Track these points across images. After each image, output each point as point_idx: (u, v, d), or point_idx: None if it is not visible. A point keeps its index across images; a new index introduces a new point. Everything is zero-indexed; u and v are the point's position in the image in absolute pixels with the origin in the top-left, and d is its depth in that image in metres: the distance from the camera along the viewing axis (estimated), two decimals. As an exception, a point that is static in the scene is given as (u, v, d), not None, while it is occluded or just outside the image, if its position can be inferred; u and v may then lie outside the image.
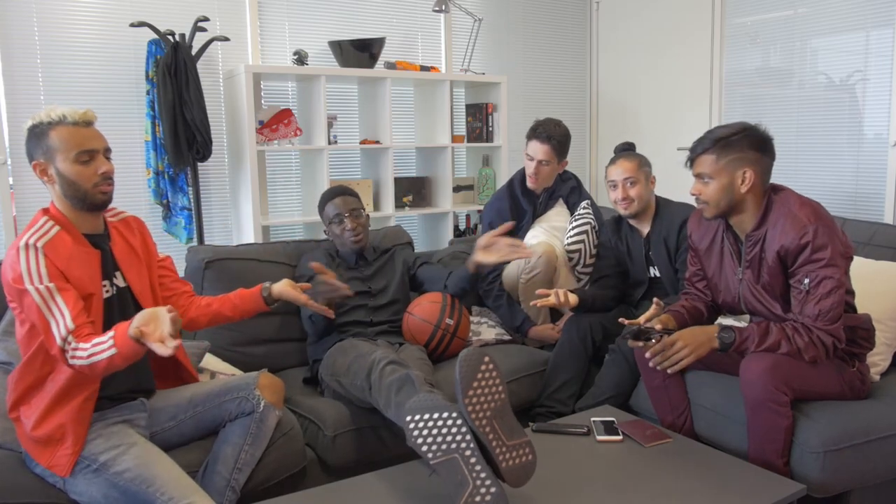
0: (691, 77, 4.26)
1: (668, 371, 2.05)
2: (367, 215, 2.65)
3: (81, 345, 1.63)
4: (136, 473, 1.67)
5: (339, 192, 2.60)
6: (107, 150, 1.81)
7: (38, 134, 1.76)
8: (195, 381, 2.07)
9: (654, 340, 2.03)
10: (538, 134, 2.89)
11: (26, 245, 1.68)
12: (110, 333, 1.62)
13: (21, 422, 1.76)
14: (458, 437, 1.61)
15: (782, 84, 3.84)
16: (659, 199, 2.65)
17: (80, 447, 1.72)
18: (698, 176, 2.03)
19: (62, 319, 1.64)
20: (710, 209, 2.03)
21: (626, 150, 2.69)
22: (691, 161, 2.05)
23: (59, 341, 1.63)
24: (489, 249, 2.45)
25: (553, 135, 2.86)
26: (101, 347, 1.61)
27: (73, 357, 1.63)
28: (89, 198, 1.77)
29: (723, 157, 1.97)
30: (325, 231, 2.66)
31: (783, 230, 1.93)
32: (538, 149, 2.89)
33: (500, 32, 4.57)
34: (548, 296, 2.38)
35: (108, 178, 1.78)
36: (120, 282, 1.86)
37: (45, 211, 1.79)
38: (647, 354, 2.06)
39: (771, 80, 3.89)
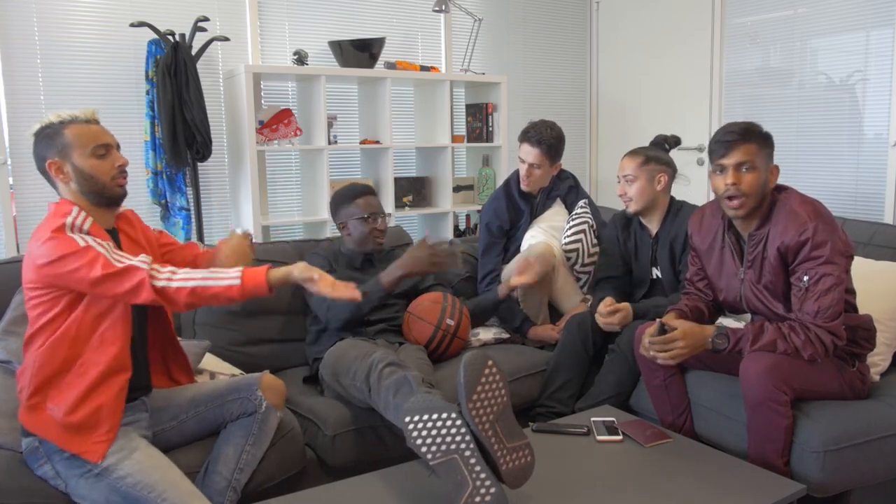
0: (691, 77, 4.26)
1: (659, 360, 2.05)
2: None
3: (175, 269, 1.72)
4: (137, 479, 1.67)
5: (370, 191, 2.62)
6: (118, 146, 1.86)
7: (50, 134, 1.78)
8: (191, 383, 2.07)
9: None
10: (529, 137, 2.88)
11: (72, 225, 1.72)
12: (237, 269, 1.73)
13: (45, 408, 1.72)
14: (458, 438, 1.61)
15: (782, 84, 3.84)
16: (674, 201, 2.62)
17: (114, 435, 1.72)
18: (739, 164, 1.94)
19: (135, 259, 1.71)
20: (752, 199, 1.95)
21: (656, 144, 2.67)
22: (728, 148, 1.94)
23: (146, 267, 1.68)
24: (523, 271, 2.63)
25: (543, 138, 2.85)
26: (219, 275, 1.72)
27: (165, 280, 1.69)
28: (107, 191, 1.80)
29: (763, 149, 1.98)
30: (339, 226, 2.64)
31: (784, 227, 1.94)
32: (529, 152, 2.88)
33: (500, 32, 4.57)
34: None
35: (123, 170, 1.83)
36: None
37: (61, 203, 1.79)
38: (647, 342, 2.06)
39: (771, 80, 3.89)
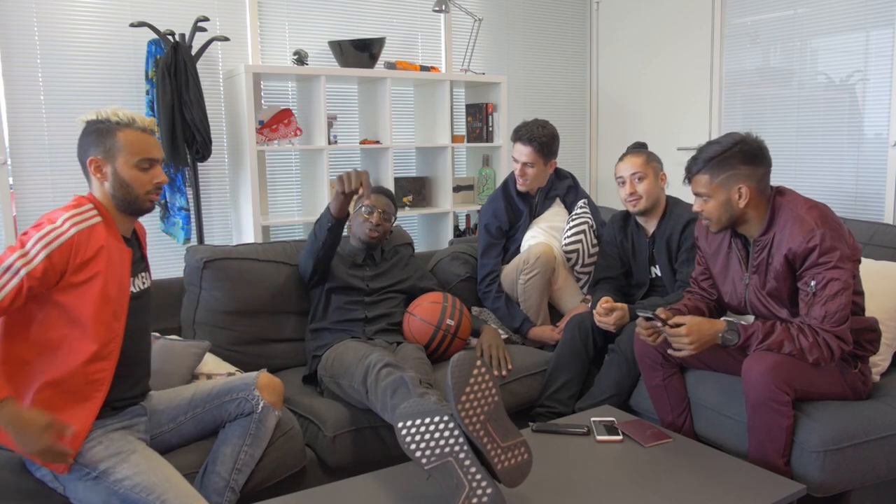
0: (691, 77, 4.26)
1: (669, 351, 2.05)
2: (392, 228, 2.74)
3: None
4: (135, 482, 1.66)
5: (382, 191, 2.70)
6: (162, 161, 1.86)
7: (102, 131, 1.77)
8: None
9: (659, 325, 2.06)
10: (521, 136, 2.89)
11: (65, 220, 1.68)
12: None
13: None
14: (451, 441, 1.61)
15: (782, 84, 3.84)
16: (669, 199, 2.63)
17: (77, 449, 1.68)
18: (697, 194, 2.05)
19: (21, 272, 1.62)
20: (714, 225, 2.06)
21: (637, 147, 2.67)
22: (688, 180, 2.08)
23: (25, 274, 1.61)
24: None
25: (535, 136, 2.85)
26: None
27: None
28: (138, 203, 1.80)
29: (716, 176, 1.99)
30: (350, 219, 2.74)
31: (791, 234, 1.93)
32: (521, 151, 2.89)
33: (500, 32, 4.57)
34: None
35: (160, 187, 1.83)
36: (141, 283, 1.88)
37: (87, 198, 1.78)
38: (648, 335, 2.10)
39: (771, 80, 3.89)
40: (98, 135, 1.77)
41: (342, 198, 2.32)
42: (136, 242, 1.90)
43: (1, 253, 1.66)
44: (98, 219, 1.75)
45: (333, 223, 2.39)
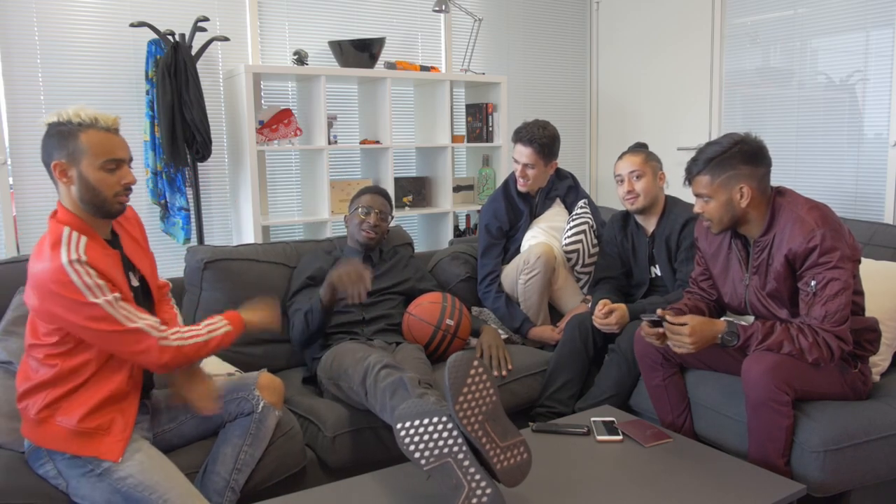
0: (691, 77, 4.26)
1: (668, 343, 2.05)
2: (389, 228, 2.74)
3: (179, 330, 1.76)
4: (138, 480, 1.66)
5: (378, 191, 2.71)
6: (130, 160, 1.79)
7: (64, 133, 1.70)
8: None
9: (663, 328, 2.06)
10: (521, 137, 2.89)
11: (70, 261, 1.62)
12: (219, 317, 1.85)
13: (54, 421, 1.69)
14: (450, 441, 1.60)
15: (782, 84, 3.84)
16: (668, 198, 2.63)
17: (129, 434, 1.72)
18: (697, 195, 2.05)
19: (142, 319, 1.69)
20: (715, 226, 2.06)
21: (637, 148, 2.67)
22: (689, 182, 2.07)
23: (155, 333, 1.70)
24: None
25: (535, 137, 2.85)
26: (214, 326, 1.82)
27: (175, 340, 1.73)
28: (107, 206, 1.74)
29: (717, 177, 1.99)
30: (344, 218, 2.74)
31: (791, 234, 1.94)
32: (522, 152, 2.89)
33: (500, 32, 4.57)
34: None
35: (128, 188, 1.77)
36: (134, 280, 1.86)
37: (56, 217, 1.73)
38: (655, 339, 2.09)
39: (771, 80, 3.89)
40: (60, 137, 1.70)
41: (333, 292, 2.31)
42: (117, 243, 1.86)
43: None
44: (84, 238, 1.70)
45: (324, 312, 2.36)
